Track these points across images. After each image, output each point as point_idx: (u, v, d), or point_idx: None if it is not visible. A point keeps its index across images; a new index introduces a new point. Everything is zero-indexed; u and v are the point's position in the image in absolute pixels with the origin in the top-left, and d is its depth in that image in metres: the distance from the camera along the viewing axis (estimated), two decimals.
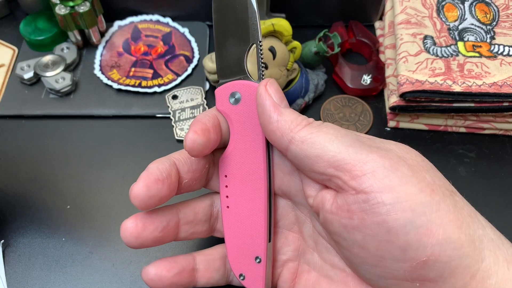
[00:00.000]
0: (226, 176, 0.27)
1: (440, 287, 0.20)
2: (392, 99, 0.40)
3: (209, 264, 0.27)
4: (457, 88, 0.37)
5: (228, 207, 0.27)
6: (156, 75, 0.44)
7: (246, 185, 0.26)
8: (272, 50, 0.38)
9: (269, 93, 0.23)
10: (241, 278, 0.27)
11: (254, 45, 0.26)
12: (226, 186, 0.27)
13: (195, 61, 0.46)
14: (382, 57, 0.45)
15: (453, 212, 0.20)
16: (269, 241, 0.26)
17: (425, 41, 0.40)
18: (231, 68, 0.26)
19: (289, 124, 0.23)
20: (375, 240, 0.20)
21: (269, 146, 0.26)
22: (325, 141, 0.22)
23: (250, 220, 0.26)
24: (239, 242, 0.27)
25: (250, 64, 0.26)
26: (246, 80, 0.25)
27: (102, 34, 0.47)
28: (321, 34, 0.43)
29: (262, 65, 0.26)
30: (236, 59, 0.26)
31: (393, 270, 0.20)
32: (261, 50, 0.25)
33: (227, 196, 0.27)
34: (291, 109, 0.24)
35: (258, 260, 0.26)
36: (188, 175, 0.25)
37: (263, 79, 0.25)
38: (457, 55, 0.39)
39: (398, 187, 0.20)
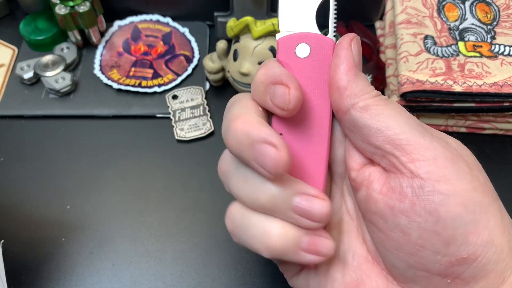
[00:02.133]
0: (281, 134, 0.24)
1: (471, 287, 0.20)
2: (392, 99, 0.40)
3: None
4: (457, 88, 0.37)
5: None
6: (156, 75, 0.44)
7: (305, 147, 0.24)
8: (272, 50, 0.38)
9: (351, 49, 0.22)
10: None
11: None
12: None
13: (195, 61, 0.46)
14: (382, 57, 0.45)
15: (499, 217, 0.20)
16: None
17: (425, 41, 0.40)
18: (297, 20, 0.24)
19: (360, 89, 0.22)
20: (420, 228, 0.20)
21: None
22: (390, 116, 0.21)
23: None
24: None
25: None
26: (318, 34, 0.24)
27: (102, 34, 0.47)
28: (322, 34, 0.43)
29: (335, 21, 0.24)
30: (304, 11, 0.24)
31: (429, 262, 0.20)
32: (335, 5, 0.24)
33: None
34: (365, 75, 0.23)
35: None
36: None
37: (335, 37, 0.24)
38: (457, 55, 0.39)
39: (455, 180, 0.20)
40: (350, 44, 0.22)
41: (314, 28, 0.24)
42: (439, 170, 0.20)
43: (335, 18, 0.24)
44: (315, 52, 0.23)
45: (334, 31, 0.24)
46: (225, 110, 0.23)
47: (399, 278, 0.22)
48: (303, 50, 0.23)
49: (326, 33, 0.24)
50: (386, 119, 0.21)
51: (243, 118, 0.21)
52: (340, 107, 0.22)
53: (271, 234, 0.22)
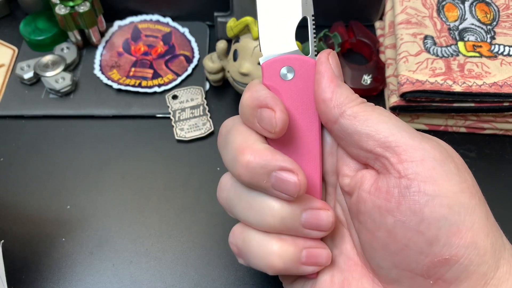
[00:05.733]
0: None
1: None
2: (392, 99, 0.40)
3: None
4: (457, 88, 0.37)
5: None
6: (156, 75, 0.44)
7: (299, 165, 0.24)
8: None
9: (330, 63, 0.23)
10: None
11: (307, 18, 0.24)
12: None
13: (195, 61, 0.46)
14: (382, 57, 0.45)
15: (484, 219, 0.20)
16: None
17: (425, 41, 0.40)
18: (278, 41, 0.25)
19: (344, 98, 0.22)
20: (405, 227, 0.20)
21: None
22: (378, 121, 0.22)
23: None
24: None
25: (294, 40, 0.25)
26: (300, 55, 0.24)
27: (102, 34, 0.47)
28: (322, 34, 0.43)
29: (315, 41, 0.25)
30: (284, 32, 0.25)
31: (412, 262, 0.21)
32: (313, 24, 0.24)
33: None
34: (347, 85, 0.23)
35: None
36: None
37: (316, 55, 0.24)
38: (457, 55, 0.39)
39: (442, 181, 0.20)
40: (328, 59, 0.23)
41: (294, 48, 0.24)
42: (427, 171, 0.20)
43: (314, 37, 0.25)
44: (299, 74, 0.24)
45: (315, 50, 0.24)
46: (222, 140, 0.25)
47: (384, 279, 0.23)
48: (287, 73, 0.24)
49: (307, 50, 0.24)
50: (374, 123, 0.21)
51: (250, 148, 0.22)
52: (328, 117, 0.23)
53: (272, 255, 0.23)
